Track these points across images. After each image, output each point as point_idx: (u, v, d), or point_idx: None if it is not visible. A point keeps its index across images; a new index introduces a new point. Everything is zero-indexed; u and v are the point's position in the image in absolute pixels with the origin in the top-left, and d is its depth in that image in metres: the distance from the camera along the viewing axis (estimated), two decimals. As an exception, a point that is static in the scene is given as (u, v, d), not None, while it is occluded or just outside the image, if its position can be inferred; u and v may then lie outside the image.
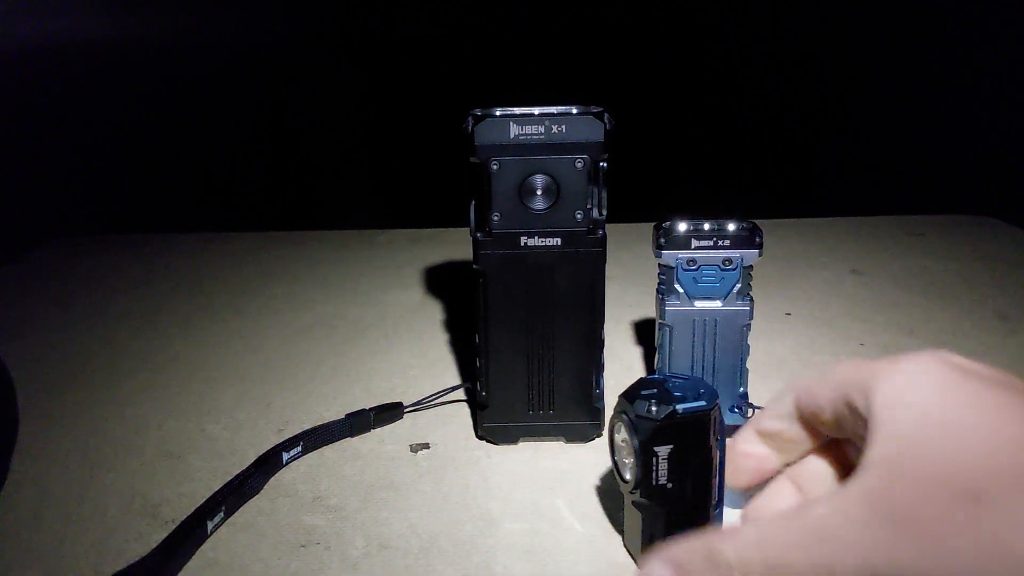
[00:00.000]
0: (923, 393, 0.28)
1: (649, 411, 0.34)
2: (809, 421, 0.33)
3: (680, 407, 0.34)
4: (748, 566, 0.29)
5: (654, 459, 0.34)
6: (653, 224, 0.47)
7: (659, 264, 0.46)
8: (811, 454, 0.35)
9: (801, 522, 0.29)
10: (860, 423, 0.29)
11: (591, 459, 0.47)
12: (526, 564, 0.38)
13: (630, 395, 0.35)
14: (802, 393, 0.33)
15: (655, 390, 0.35)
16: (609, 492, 0.44)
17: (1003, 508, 0.25)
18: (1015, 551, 0.25)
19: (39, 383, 0.57)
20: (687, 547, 0.30)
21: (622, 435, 0.36)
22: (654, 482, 0.34)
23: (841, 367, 0.31)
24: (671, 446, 0.34)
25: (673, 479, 0.35)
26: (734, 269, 0.46)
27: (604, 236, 0.45)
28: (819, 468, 0.34)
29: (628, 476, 0.36)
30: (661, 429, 0.34)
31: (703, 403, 0.35)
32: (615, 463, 0.37)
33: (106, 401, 0.55)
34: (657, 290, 0.47)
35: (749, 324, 0.46)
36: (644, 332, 0.62)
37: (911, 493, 0.27)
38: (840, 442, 0.34)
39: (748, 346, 0.47)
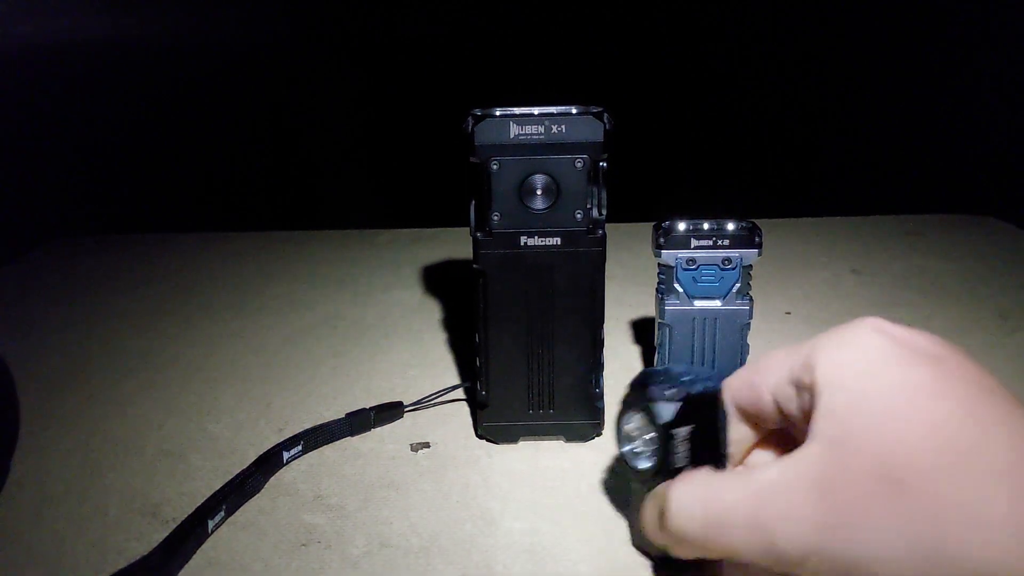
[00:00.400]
0: (857, 373, 0.29)
1: (665, 394, 0.34)
2: (750, 416, 0.34)
3: (693, 389, 0.35)
4: (687, 520, 0.31)
5: (673, 441, 0.34)
6: (653, 224, 0.47)
7: (659, 264, 0.46)
8: (755, 448, 0.36)
9: (745, 482, 0.30)
10: (808, 397, 0.31)
11: (591, 459, 0.47)
12: (526, 563, 0.38)
13: (641, 382, 0.35)
14: (739, 391, 0.34)
15: (662, 377, 0.35)
16: (609, 492, 0.44)
17: (920, 496, 0.26)
18: (929, 538, 0.26)
19: (39, 383, 0.57)
20: (650, 501, 0.33)
21: (634, 424, 0.36)
22: (673, 465, 0.35)
23: (773, 354, 0.33)
24: (690, 426, 0.34)
25: (691, 460, 0.35)
26: (733, 268, 0.46)
27: (604, 236, 0.45)
28: (764, 458, 0.35)
29: (645, 464, 0.35)
30: (680, 410, 0.34)
31: (712, 383, 0.35)
32: (626, 455, 0.36)
33: (106, 401, 0.55)
34: (656, 290, 0.47)
35: (749, 324, 0.47)
36: (644, 332, 0.62)
37: (845, 473, 0.28)
38: (778, 431, 0.35)
39: (748, 346, 0.47)
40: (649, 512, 0.33)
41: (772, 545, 0.28)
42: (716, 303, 0.46)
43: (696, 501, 0.31)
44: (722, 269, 0.46)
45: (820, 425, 0.29)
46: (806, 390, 0.31)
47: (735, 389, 0.35)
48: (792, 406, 0.32)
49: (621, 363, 0.58)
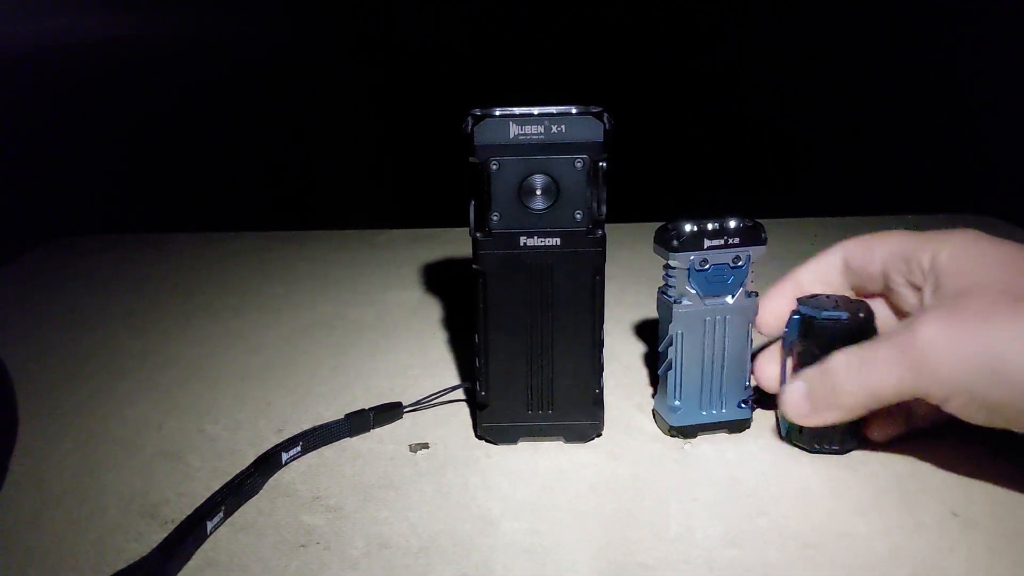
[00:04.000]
0: (982, 252, 0.40)
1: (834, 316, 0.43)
2: (854, 272, 0.46)
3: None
4: (849, 364, 0.40)
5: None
6: (657, 227, 0.46)
7: (667, 265, 0.46)
8: None
9: (887, 334, 0.40)
10: (917, 275, 0.42)
11: (591, 459, 0.47)
12: (526, 564, 0.38)
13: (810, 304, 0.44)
14: (855, 249, 0.46)
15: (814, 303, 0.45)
16: (609, 492, 0.44)
17: None
18: None
19: (39, 383, 0.57)
20: (812, 367, 0.43)
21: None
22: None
23: (892, 233, 0.44)
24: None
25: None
26: (742, 266, 0.46)
27: (604, 236, 0.45)
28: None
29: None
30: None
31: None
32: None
33: (105, 401, 0.55)
34: (661, 291, 0.47)
35: (754, 318, 0.47)
36: (644, 332, 0.62)
37: (973, 302, 0.38)
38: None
39: (752, 339, 0.47)
40: (814, 375, 0.42)
41: (921, 378, 0.37)
42: (727, 300, 0.46)
43: (855, 364, 0.40)
44: (732, 267, 0.46)
45: (951, 286, 0.40)
46: (920, 269, 0.42)
47: (851, 248, 0.46)
48: (899, 276, 0.43)
49: (621, 364, 0.58)
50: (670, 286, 0.46)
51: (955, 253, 0.40)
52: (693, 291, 0.46)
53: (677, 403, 0.48)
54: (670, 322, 0.46)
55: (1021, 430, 0.38)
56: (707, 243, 0.45)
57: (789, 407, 0.43)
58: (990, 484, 0.42)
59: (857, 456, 0.46)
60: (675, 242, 0.45)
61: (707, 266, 0.46)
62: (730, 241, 0.45)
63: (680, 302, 0.46)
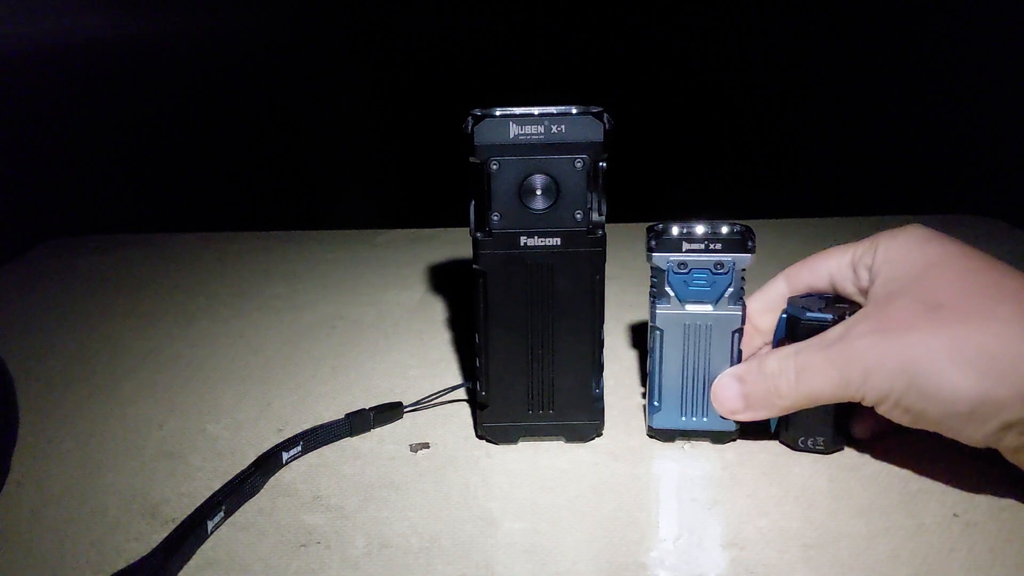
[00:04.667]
0: (907, 248, 0.42)
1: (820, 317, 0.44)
2: (801, 294, 0.46)
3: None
4: (784, 370, 0.42)
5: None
6: (646, 226, 0.46)
7: (650, 267, 0.46)
8: None
9: (823, 337, 0.42)
10: (867, 276, 0.43)
11: (591, 459, 0.47)
12: (526, 563, 0.38)
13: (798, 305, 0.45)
14: (798, 273, 0.47)
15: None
16: (609, 492, 0.44)
17: (954, 310, 0.38)
18: (961, 336, 0.37)
19: (39, 383, 0.57)
20: (746, 365, 0.45)
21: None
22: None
23: (835, 249, 0.46)
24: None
25: None
26: (726, 273, 0.45)
27: (604, 236, 0.45)
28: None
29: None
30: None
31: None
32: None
33: (106, 401, 0.55)
34: (649, 293, 0.47)
35: (741, 329, 0.46)
36: (644, 332, 0.62)
37: (901, 311, 0.39)
38: None
39: (741, 352, 0.46)
40: (749, 369, 0.44)
41: (853, 386, 0.40)
42: (708, 308, 0.46)
43: (788, 356, 0.42)
44: (714, 273, 0.45)
45: (879, 289, 0.42)
46: (866, 269, 0.43)
47: (793, 273, 0.47)
48: (848, 283, 0.44)
49: (621, 364, 0.58)
50: (652, 287, 0.46)
51: (888, 255, 0.42)
52: (672, 293, 0.46)
53: (656, 404, 0.47)
54: (652, 322, 0.47)
55: (947, 434, 0.39)
56: (686, 246, 0.45)
57: (721, 402, 0.45)
58: (991, 485, 0.42)
59: (857, 457, 0.46)
60: (653, 242, 0.45)
61: (686, 269, 0.45)
62: (711, 246, 0.45)
63: (659, 303, 0.46)
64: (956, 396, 0.37)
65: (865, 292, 0.43)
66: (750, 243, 0.45)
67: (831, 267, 0.45)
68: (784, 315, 0.45)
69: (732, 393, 0.45)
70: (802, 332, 0.44)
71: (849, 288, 0.44)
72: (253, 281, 0.77)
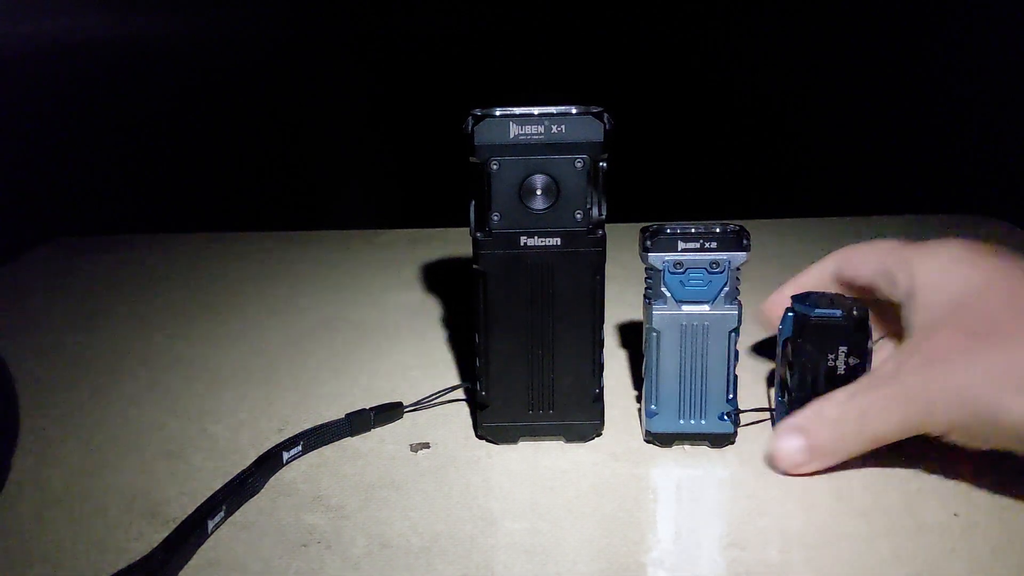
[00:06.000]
0: (950, 274, 0.41)
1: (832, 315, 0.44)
2: (846, 281, 0.48)
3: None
4: (846, 417, 0.42)
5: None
6: (640, 227, 0.46)
7: (646, 267, 0.46)
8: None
9: (875, 376, 0.42)
10: (898, 291, 0.44)
11: (591, 459, 0.47)
12: (526, 563, 0.38)
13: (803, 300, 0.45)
14: (845, 260, 0.48)
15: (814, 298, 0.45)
16: (609, 492, 0.44)
17: (1001, 336, 0.38)
18: (1015, 361, 0.37)
19: (39, 383, 0.57)
20: (803, 416, 0.43)
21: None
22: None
23: (882, 245, 0.46)
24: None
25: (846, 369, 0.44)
26: (722, 272, 0.45)
27: (604, 236, 0.45)
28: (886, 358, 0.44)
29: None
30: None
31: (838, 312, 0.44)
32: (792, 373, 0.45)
33: (107, 401, 0.55)
34: (644, 294, 0.47)
35: (737, 329, 0.46)
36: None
37: (947, 339, 0.39)
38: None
39: (737, 352, 0.46)
40: (809, 419, 0.43)
41: (917, 422, 0.40)
42: (704, 308, 0.46)
43: (845, 402, 0.42)
44: (710, 272, 0.45)
45: (921, 317, 0.41)
46: (899, 288, 0.43)
47: (843, 257, 0.48)
48: (882, 290, 0.45)
49: (621, 364, 0.58)
50: (648, 287, 0.46)
51: (927, 280, 0.42)
52: (668, 294, 0.46)
53: (653, 407, 0.47)
54: (648, 324, 0.46)
55: (1022, 455, 0.39)
56: (681, 246, 0.45)
57: (783, 457, 0.43)
58: (992, 485, 0.42)
59: (857, 457, 0.46)
60: (648, 242, 0.45)
61: (682, 269, 0.45)
62: (707, 245, 0.45)
63: (655, 303, 0.46)
64: (1018, 420, 0.37)
65: (892, 301, 0.44)
66: (745, 241, 0.45)
67: (874, 265, 0.46)
68: (790, 314, 0.45)
69: (796, 447, 0.43)
70: (811, 330, 0.44)
71: (881, 294, 0.45)
72: (254, 281, 0.78)
